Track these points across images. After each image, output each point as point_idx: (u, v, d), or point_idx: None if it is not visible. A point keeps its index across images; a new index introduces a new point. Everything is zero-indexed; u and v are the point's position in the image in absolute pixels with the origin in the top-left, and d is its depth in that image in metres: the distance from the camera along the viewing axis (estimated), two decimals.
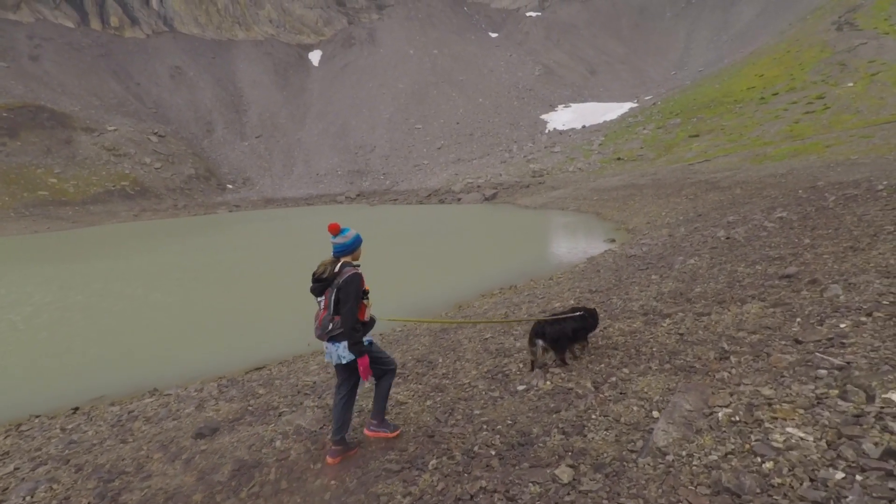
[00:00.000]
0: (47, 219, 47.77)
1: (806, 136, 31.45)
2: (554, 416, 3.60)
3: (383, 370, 3.84)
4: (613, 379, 4.04)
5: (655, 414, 3.28)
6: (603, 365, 4.52)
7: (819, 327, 3.97)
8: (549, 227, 25.65)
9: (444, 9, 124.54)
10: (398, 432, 3.96)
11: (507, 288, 11.59)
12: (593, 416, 3.42)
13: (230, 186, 73.17)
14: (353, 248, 3.72)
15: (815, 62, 49.19)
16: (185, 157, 71.27)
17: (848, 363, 3.18)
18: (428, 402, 4.50)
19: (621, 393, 3.69)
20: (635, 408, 3.42)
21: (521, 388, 4.38)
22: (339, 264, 3.60)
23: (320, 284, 3.60)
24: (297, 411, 4.76)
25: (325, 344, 3.63)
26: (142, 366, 8.77)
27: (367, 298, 3.63)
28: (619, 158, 46.49)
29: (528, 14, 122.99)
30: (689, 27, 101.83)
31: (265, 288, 15.06)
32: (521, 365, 5.12)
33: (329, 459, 3.72)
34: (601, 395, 3.71)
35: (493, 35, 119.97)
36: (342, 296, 3.46)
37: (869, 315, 3.93)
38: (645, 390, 3.66)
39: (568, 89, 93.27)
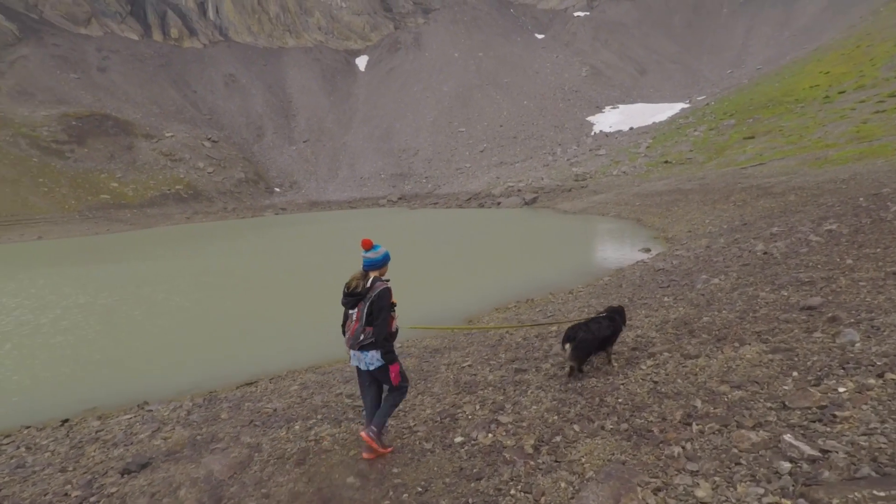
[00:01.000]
0: (108, 221, 50.67)
1: (874, 138, 28.78)
2: (472, 485, 3.07)
3: (402, 385, 3.98)
4: (558, 438, 3.44)
5: (584, 494, 2.67)
6: (558, 416, 3.90)
7: (814, 388, 3.21)
8: (584, 234, 24.64)
9: (489, 11, 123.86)
10: (390, 449, 4.04)
11: (523, 301, 11.00)
12: (512, 492, 2.87)
13: (277, 190, 75.37)
14: (382, 263, 3.93)
15: (887, 57, 45.30)
16: (236, 161, 74.01)
17: (824, 454, 2.46)
18: (351, 452, 4.03)
19: (556, 461, 3.11)
20: (563, 484, 2.84)
21: (458, 440, 3.86)
22: (371, 279, 3.82)
23: (353, 298, 3.83)
24: (225, 451, 4.40)
25: (353, 352, 3.88)
26: (137, 376, 8.73)
27: (394, 311, 3.87)
28: (666, 162, 44.38)
29: (575, 14, 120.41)
30: (748, 23, 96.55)
31: (288, 294, 15.03)
32: (477, 406, 4.57)
33: (363, 434, 3.92)
34: (532, 463, 3.14)
35: (540, 36, 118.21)
36: (375, 309, 3.70)
37: (880, 377, 3.15)
38: (583, 460, 3.06)
39: (616, 90, 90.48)
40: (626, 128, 69.43)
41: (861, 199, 15.25)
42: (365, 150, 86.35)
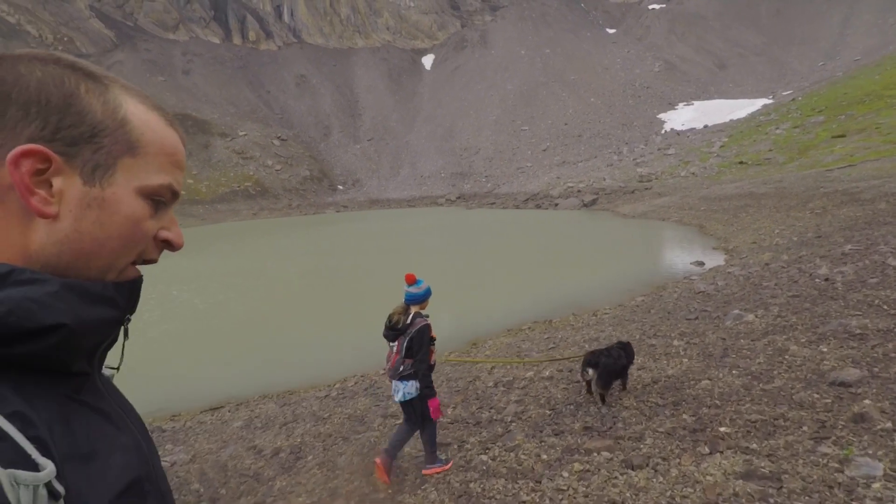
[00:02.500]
0: (182, 216, 54.10)
1: None
2: None
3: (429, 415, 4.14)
4: None
5: None
6: None
7: None
8: (637, 242, 23.12)
9: (559, 7, 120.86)
10: (450, 464, 4.24)
11: (541, 322, 10.20)
12: None
13: (340, 187, 77.47)
14: (423, 298, 4.06)
15: None
16: (303, 159, 76.83)
17: None
18: None
19: None
20: None
21: None
22: (411, 315, 3.98)
23: (394, 332, 4.00)
24: None
25: (394, 382, 4.03)
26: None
27: (434, 344, 4.02)
28: (740, 162, 41.06)
29: (650, 7, 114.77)
30: (847, 11, 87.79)
31: (310, 300, 15.02)
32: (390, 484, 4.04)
33: (378, 460, 4.12)
34: None
35: (611, 31, 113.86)
36: (415, 344, 3.88)
37: None
38: None
39: (691, 86, 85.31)
40: (699, 125, 65.20)
41: None
42: (427, 148, 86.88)
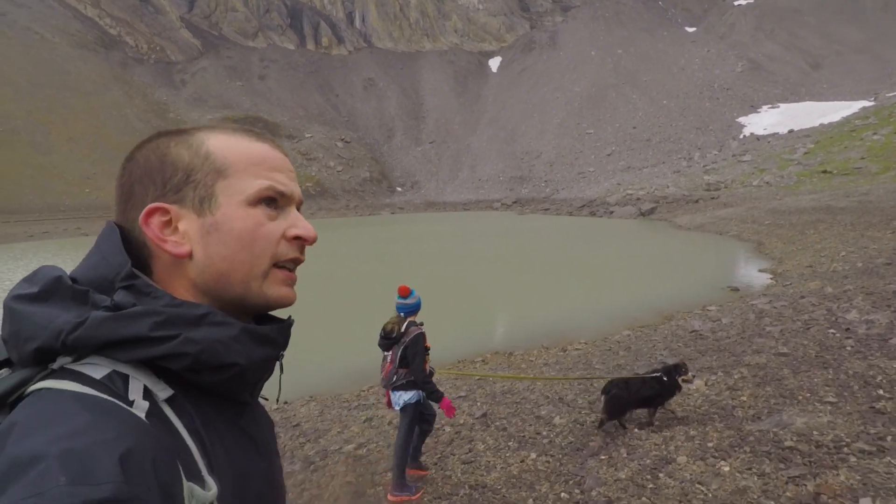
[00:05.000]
0: None
1: None
2: None
3: (425, 429, 4.25)
4: None
5: None
6: None
7: None
8: (682, 259, 21.03)
9: (634, 5, 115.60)
10: (419, 494, 4.10)
11: (502, 353, 9.16)
12: None
13: (399, 189, 78.29)
14: (416, 309, 4.11)
15: None
16: (364, 161, 78.43)
17: None
18: None
19: None
20: None
21: None
22: (406, 324, 4.00)
23: (388, 341, 4.01)
24: None
25: (391, 393, 4.05)
26: None
27: (428, 354, 4.01)
28: (824, 171, 36.75)
29: (736, 3, 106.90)
30: None
31: (322, 306, 14.65)
32: None
33: (390, 497, 4.06)
34: None
35: (690, 29, 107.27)
36: (409, 353, 3.88)
37: None
38: None
39: (778, 87, 78.33)
40: (783, 130, 59.59)
41: None
42: (487, 151, 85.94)
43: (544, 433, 4.72)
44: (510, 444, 4.55)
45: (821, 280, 12.07)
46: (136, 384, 0.59)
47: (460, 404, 6.03)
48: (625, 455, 3.90)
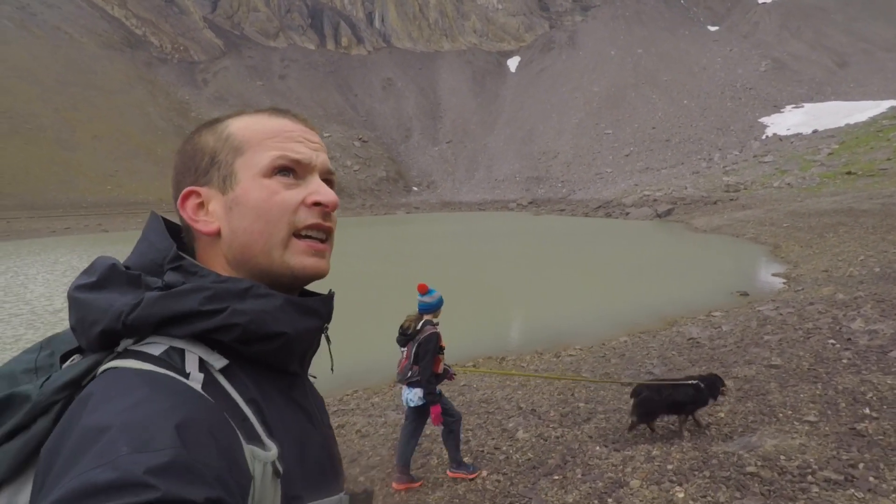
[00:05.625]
0: None
1: None
2: None
3: (449, 421, 4.18)
4: None
5: None
6: None
7: None
8: (693, 261, 20.51)
9: (656, 4, 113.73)
10: (477, 474, 4.20)
11: (494, 358, 8.96)
12: None
13: (415, 189, 78.30)
14: (435, 307, 4.19)
15: None
16: (381, 160, 78.62)
17: None
18: None
19: None
20: None
21: None
22: (422, 322, 4.10)
23: (405, 338, 4.14)
24: None
25: (404, 388, 4.16)
26: None
27: (443, 353, 4.10)
28: (848, 173, 35.58)
29: (760, 1, 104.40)
30: None
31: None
32: None
33: (395, 485, 4.18)
34: None
35: (713, 28, 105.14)
36: (421, 351, 3.97)
37: None
38: None
39: (803, 86, 76.24)
40: (808, 130, 57.93)
41: None
42: (504, 151, 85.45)
43: (503, 448, 4.54)
44: (466, 459, 4.37)
45: (834, 285, 11.61)
46: (192, 357, 0.62)
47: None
48: (580, 476, 3.71)
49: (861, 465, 3.07)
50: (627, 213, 42.96)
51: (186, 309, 0.62)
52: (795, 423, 4.01)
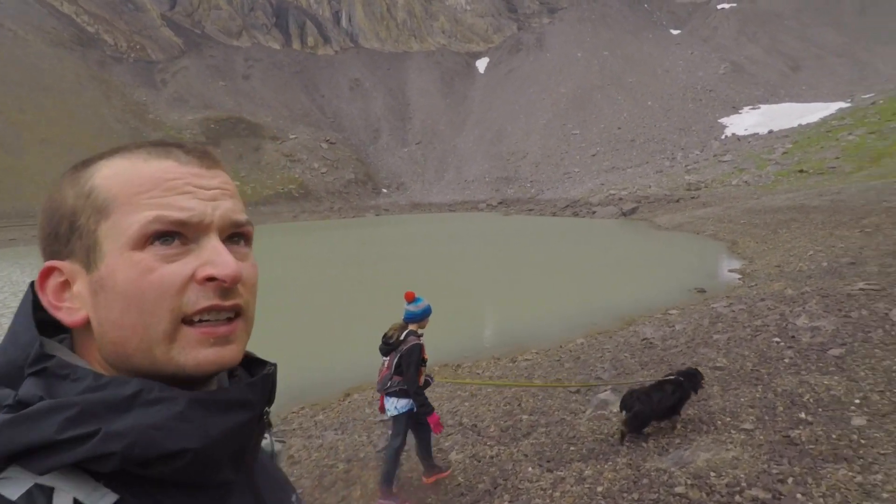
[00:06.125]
0: None
1: None
2: None
3: (423, 436, 4.15)
4: None
5: None
6: None
7: None
8: (655, 258, 20.80)
9: (620, 7, 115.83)
10: (450, 470, 4.22)
11: (450, 366, 8.70)
12: None
13: (384, 191, 77.54)
14: (421, 317, 4.04)
15: None
16: (349, 162, 77.55)
17: None
18: None
19: None
20: None
21: None
22: (406, 332, 3.98)
23: (387, 347, 4.01)
24: None
25: (385, 398, 4.02)
26: None
27: (425, 365, 4.00)
28: (801, 171, 36.80)
29: (719, 7, 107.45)
30: None
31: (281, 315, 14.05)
32: None
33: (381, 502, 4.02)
34: None
35: (675, 32, 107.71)
36: (404, 363, 3.85)
37: None
38: None
39: (760, 89, 78.81)
40: (764, 130, 59.85)
41: None
42: (474, 152, 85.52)
43: None
44: (394, 489, 4.05)
45: (785, 280, 11.78)
46: (63, 499, 0.47)
47: (381, 433, 5.52)
48: (507, 502, 3.42)
49: (790, 480, 2.89)
50: (594, 212, 43.46)
51: (39, 439, 0.47)
52: (732, 431, 3.83)
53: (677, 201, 39.65)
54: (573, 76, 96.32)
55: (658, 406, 4.30)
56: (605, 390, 5.37)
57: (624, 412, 4.41)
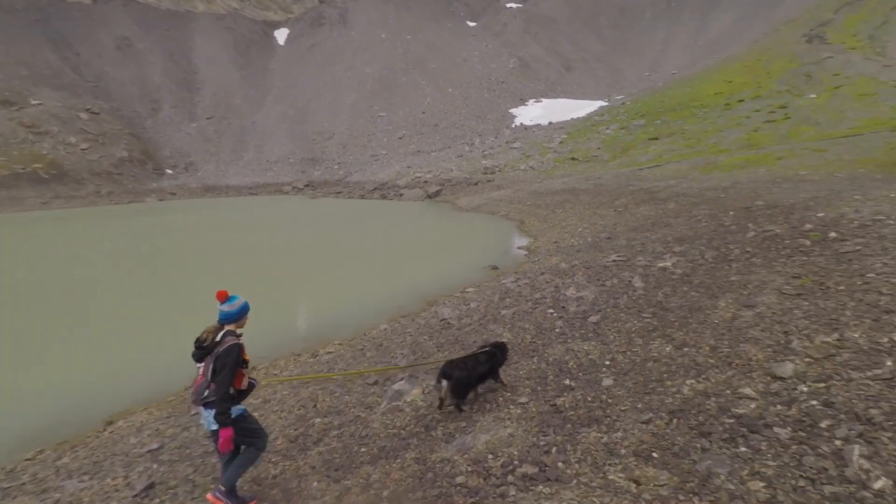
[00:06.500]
0: None
1: (761, 146, 28.32)
2: None
3: (250, 441, 3.67)
4: None
5: None
6: None
7: None
8: (455, 239, 22.06)
9: None
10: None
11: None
12: None
13: (169, 172, 67.93)
14: (238, 316, 3.70)
15: (782, 72, 46.45)
16: (119, 137, 65.73)
17: None
18: None
19: None
20: None
21: None
22: (222, 333, 3.60)
23: (201, 352, 3.60)
24: None
25: (202, 410, 3.55)
26: None
27: (246, 367, 3.66)
28: (573, 158, 42.95)
29: (508, 5, 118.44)
30: (667, 30, 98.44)
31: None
32: None
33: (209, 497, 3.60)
34: None
35: (471, 24, 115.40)
36: (218, 365, 3.46)
37: None
38: None
39: (541, 84, 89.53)
40: (545, 122, 68.27)
41: (731, 212, 13.50)
42: (276, 131, 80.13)
43: None
44: None
45: (561, 255, 13.35)
46: None
47: (143, 469, 4.48)
48: None
49: (554, 450, 3.06)
50: (401, 195, 44.52)
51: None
52: (511, 406, 3.99)
53: (476, 184, 42.83)
54: (378, 57, 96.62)
55: (474, 372, 4.53)
56: (401, 379, 5.25)
57: (444, 382, 4.49)
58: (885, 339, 3.97)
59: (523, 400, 4.02)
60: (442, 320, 8.15)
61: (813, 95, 37.83)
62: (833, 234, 7.85)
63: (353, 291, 13.32)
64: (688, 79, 63.01)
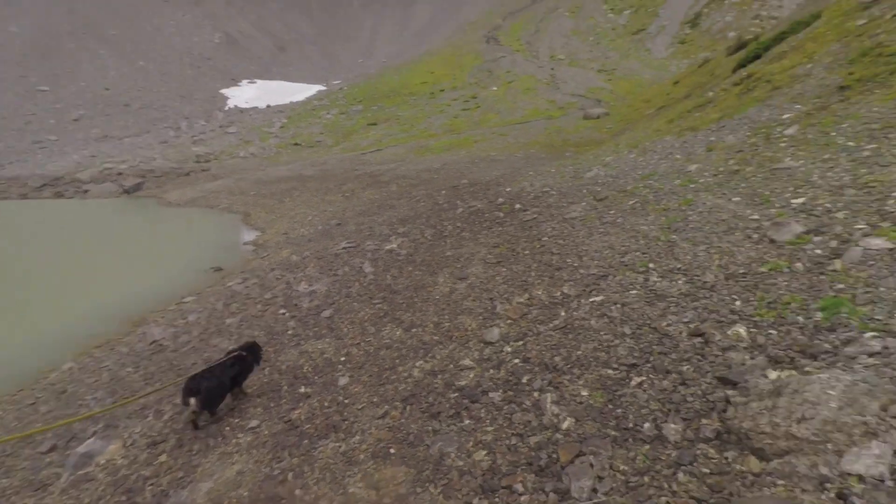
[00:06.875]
0: None
1: (461, 130, 32.66)
2: None
3: None
4: None
5: None
6: None
7: None
8: (167, 240, 19.07)
9: None
10: None
11: None
12: None
13: None
14: None
15: (471, 67, 54.36)
16: None
17: None
18: None
19: None
20: None
21: None
22: None
23: None
24: None
25: None
26: None
27: None
28: (296, 144, 41.91)
29: None
30: (375, 19, 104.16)
31: None
32: None
33: None
34: None
35: None
36: None
37: None
38: None
39: (254, 64, 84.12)
40: (262, 105, 64.60)
41: (444, 191, 14.98)
42: None
43: None
44: None
45: (291, 247, 12.73)
46: None
47: None
48: None
49: (290, 476, 2.76)
50: (86, 191, 36.12)
51: None
52: (239, 435, 3.47)
53: (188, 174, 37.87)
54: (30, 12, 75.72)
55: (226, 376, 4.23)
56: (92, 435, 4.07)
57: (193, 399, 4.09)
58: (558, 293, 4.83)
59: (254, 424, 3.53)
60: (152, 343, 6.76)
61: (495, 88, 45.30)
62: (518, 206, 9.40)
63: (21, 326, 10.12)
64: (397, 67, 68.03)
